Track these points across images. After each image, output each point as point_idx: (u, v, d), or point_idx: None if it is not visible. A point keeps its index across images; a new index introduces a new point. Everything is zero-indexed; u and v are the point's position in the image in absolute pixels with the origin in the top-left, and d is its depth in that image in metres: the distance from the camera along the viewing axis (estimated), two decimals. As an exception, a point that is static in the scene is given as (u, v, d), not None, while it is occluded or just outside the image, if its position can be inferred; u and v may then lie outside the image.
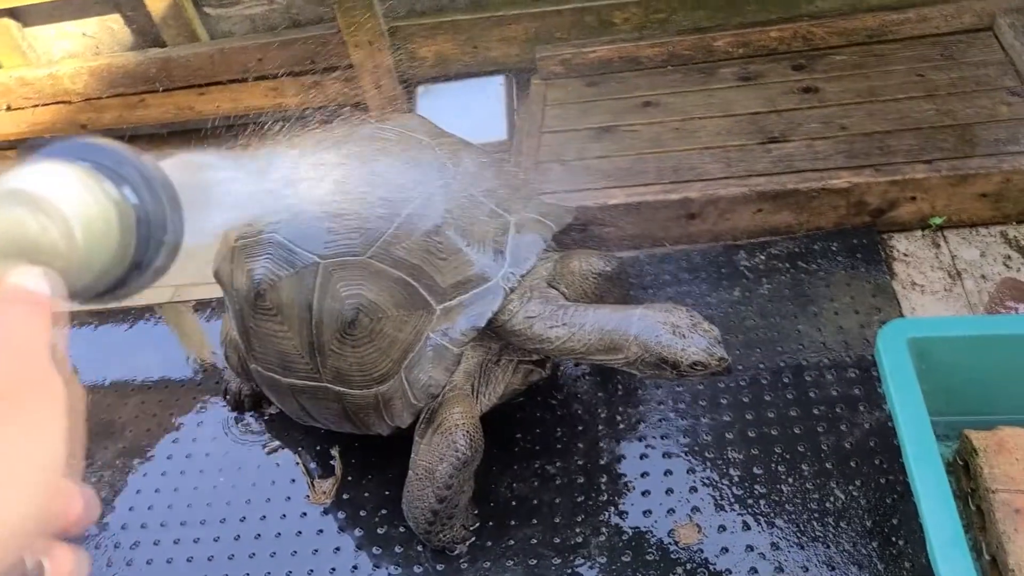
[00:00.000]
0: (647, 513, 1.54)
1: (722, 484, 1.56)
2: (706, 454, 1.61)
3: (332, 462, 1.76)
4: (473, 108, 2.73)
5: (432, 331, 1.45)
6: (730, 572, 1.43)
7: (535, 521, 1.57)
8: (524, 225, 1.53)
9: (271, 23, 2.97)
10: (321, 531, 1.65)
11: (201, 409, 1.96)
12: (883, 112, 2.13)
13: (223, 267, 1.64)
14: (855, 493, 1.49)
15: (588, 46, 2.52)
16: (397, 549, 1.59)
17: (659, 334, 1.36)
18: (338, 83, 2.77)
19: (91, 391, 2.09)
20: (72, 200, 0.52)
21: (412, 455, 1.50)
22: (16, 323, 0.47)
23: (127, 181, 0.55)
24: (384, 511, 1.65)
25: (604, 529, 1.53)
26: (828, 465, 1.54)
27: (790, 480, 1.53)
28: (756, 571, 1.43)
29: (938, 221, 1.97)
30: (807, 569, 1.42)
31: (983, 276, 1.86)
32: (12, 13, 3.01)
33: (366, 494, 1.69)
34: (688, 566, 1.45)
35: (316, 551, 1.61)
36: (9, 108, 3.10)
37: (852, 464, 1.53)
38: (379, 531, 1.62)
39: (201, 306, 2.25)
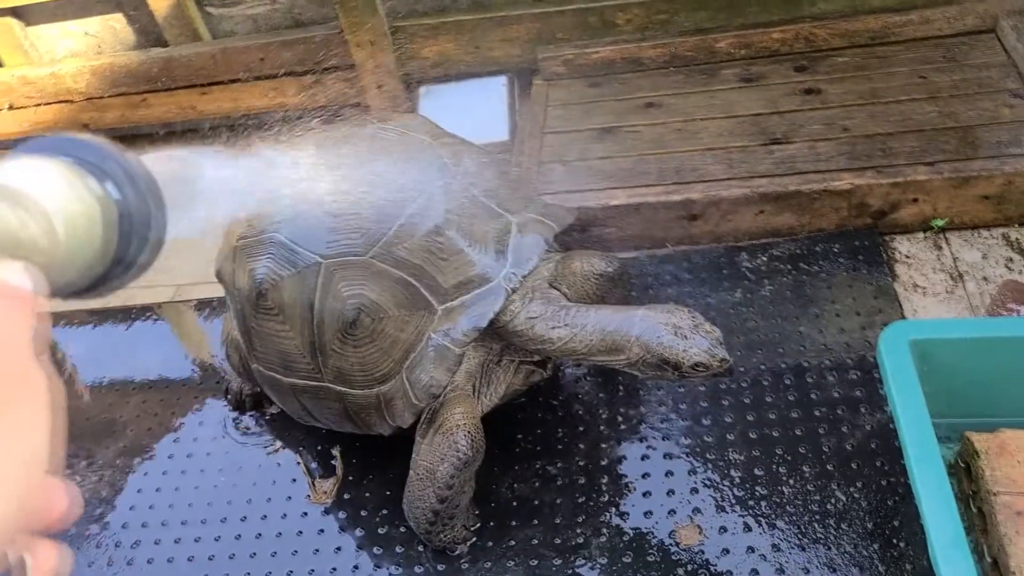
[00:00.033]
0: (648, 514, 1.54)
1: (723, 485, 1.56)
2: (707, 455, 1.61)
3: (333, 462, 1.77)
4: (475, 108, 2.74)
5: (434, 331, 1.45)
6: (731, 573, 1.43)
7: (536, 522, 1.57)
8: (526, 226, 1.53)
9: (273, 23, 2.97)
10: (322, 531, 1.65)
11: (202, 408, 1.96)
12: (885, 114, 2.13)
13: (225, 266, 1.64)
14: (856, 495, 1.49)
15: (590, 47, 2.52)
16: (398, 549, 1.59)
17: (661, 335, 1.36)
18: (340, 83, 2.77)
19: (92, 390, 2.09)
20: (53, 195, 0.51)
21: (413, 455, 1.50)
22: None
23: (109, 176, 0.54)
24: (385, 511, 1.65)
25: (605, 530, 1.53)
26: (829, 467, 1.54)
27: (791, 482, 1.53)
28: (757, 572, 1.43)
29: (940, 223, 1.97)
30: (808, 571, 1.42)
31: (985, 278, 1.86)
32: (15, 12, 3.01)
33: (367, 494, 1.69)
34: (689, 567, 1.45)
35: (317, 551, 1.61)
36: (11, 107, 3.10)
37: (853, 466, 1.53)
38: (380, 531, 1.62)
39: (202, 305, 2.25)
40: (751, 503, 1.52)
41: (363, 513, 1.66)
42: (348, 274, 1.45)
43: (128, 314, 2.28)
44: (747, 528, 1.49)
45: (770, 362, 1.74)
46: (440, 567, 1.54)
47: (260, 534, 1.66)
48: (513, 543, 1.55)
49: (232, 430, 1.89)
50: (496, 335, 1.52)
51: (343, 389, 1.53)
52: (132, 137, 3.05)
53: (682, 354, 1.35)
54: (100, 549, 1.71)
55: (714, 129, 2.21)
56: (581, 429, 1.71)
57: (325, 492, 1.72)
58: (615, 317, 1.42)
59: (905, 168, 1.95)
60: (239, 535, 1.67)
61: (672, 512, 1.54)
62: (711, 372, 1.36)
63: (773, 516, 1.49)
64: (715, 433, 1.64)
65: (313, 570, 1.58)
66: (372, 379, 1.50)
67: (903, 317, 1.79)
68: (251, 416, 1.90)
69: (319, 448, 1.80)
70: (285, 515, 1.69)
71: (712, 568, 1.45)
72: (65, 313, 2.31)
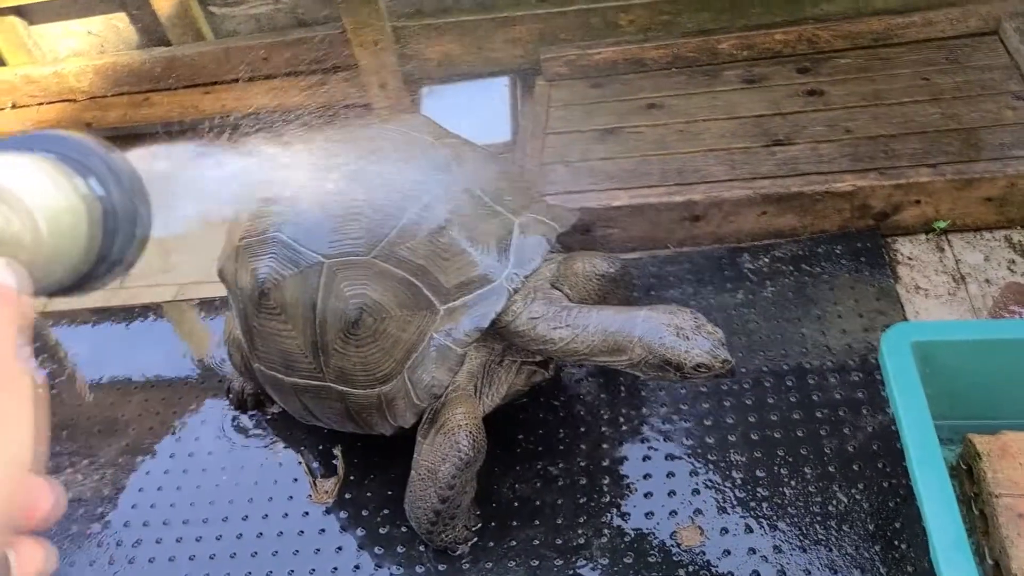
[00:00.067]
0: (649, 515, 1.54)
1: (725, 487, 1.56)
2: (709, 456, 1.61)
3: (334, 461, 1.77)
4: (478, 109, 2.74)
5: (436, 331, 1.45)
6: (732, 575, 1.43)
7: (537, 522, 1.57)
8: (528, 226, 1.53)
9: (276, 23, 2.97)
10: (323, 530, 1.65)
11: (204, 408, 1.96)
12: (888, 116, 2.13)
13: (227, 266, 1.65)
14: (858, 496, 1.49)
15: (593, 48, 2.52)
16: (399, 549, 1.59)
17: (663, 336, 1.36)
18: (343, 83, 2.77)
19: (94, 389, 2.09)
20: (36, 192, 0.51)
21: (415, 455, 1.50)
22: None
23: (93, 173, 0.54)
24: (386, 511, 1.65)
25: (606, 530, 1.53)
26: (831, 468, 1.54)
27: (793, 483, 1.53)
28: (758, 574, 1.42)
29: (942, 225, 1.97)
30: (809, 572, 1.41)
31: (987, 280, 1.86)
32: (18, 11, 3.02)
33: (368, 494, 1.69)
34: (690, 568, 1.45)
35: (318, 550, 1.62)
36: (14, 106, 3.11)
37: (855, 467, 1.53)
38: (382, 531, 1.62)
39: (204, 305, 2.25)
40: (753, 504, 1.52)
41: (364, 513, 1.66)
42: (350, 274, 1.45)
43: (130, 313, 2.28)
44: (748, 529, 1.49)
45: (772, 363, 1.74)
46: (441, 567, 1.54)
47: (262, 533, 1.67)
48: (514, 543, 1.55)
49: (234, 430, 1.89)
50: (498, 335, 1.52)
51: (345, 389, 1.53)
52: (134, 136, 3.05)
53: (684, 355, 1.35)
54: (102, 548, 1.71)
55: (716, 130, 2.21)
56: (583, 430, 1.71)
57: (327, 492, 1.72)
58: (617, 318, 1.42)
59: (907, 170, 1.95)
60: (241, 534, 1.67)
61: (673, 513, 1.54)
62: (713, 373, 1.36)
63: (775, 517, 1.49)
64: (717, 434, 1.64)
65: (314, 569, 1.59)
66: (374, 379, 1.50)
67: (905, 319, 1.79)
68: (252, 416, 1.91)
69: (321, 448, 1.80)
70: (287, 514, 1.69)
71: (713, 569, 1.45)
72: (67, 312, 2.31)
